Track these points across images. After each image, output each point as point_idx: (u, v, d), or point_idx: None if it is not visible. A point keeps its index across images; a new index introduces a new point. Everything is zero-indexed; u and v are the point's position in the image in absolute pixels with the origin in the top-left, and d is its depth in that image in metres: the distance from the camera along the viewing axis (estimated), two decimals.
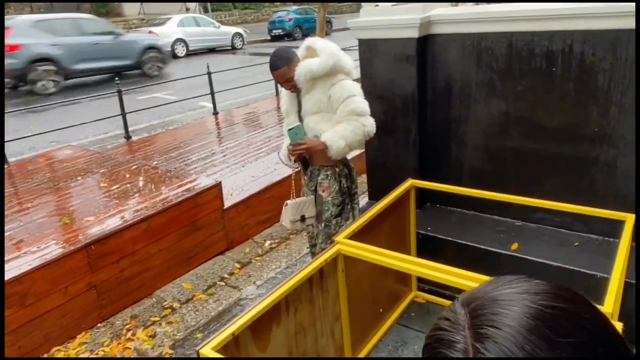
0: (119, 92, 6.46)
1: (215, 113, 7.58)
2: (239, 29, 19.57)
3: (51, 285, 3.02)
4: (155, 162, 5.13)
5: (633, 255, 2.41)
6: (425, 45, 3.01)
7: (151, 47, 12.67)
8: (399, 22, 2.93)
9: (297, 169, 2.80)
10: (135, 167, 4.67)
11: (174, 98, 8.66)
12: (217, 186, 3.93)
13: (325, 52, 2.51)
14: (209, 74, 7.61)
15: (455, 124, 3.09)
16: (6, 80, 10.10)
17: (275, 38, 20.81)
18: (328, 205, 2.72)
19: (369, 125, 2.60)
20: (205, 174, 4.70)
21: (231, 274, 3.76)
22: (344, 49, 2.68)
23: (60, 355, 3.02)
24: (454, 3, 3.24)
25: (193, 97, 8.08)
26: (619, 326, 1.51)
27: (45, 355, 3.02)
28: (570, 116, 2.65)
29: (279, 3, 30.92)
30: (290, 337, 1.99)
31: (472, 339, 0.45)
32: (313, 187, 2.77)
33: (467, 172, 3.15)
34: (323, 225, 2.75)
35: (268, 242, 4.20)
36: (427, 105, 3.15)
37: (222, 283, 3.65)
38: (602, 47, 2.45)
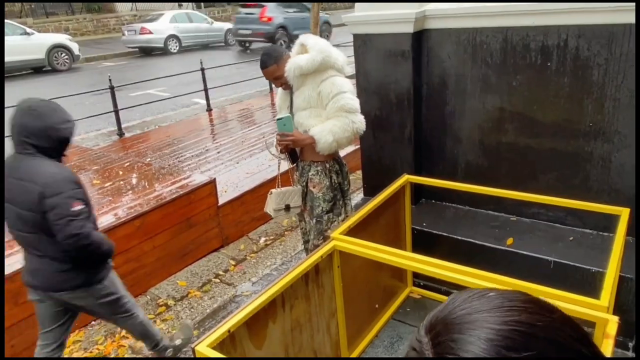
0: (112, 88, 6.41)
1: (209, 109, 7.54)
2: (233, 25, 19.44)
3: None
4: (149, 159, 5.10)
5: (628, 250, 2.42)
6: (421, 40, 2.99)
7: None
8: (394, 17, 2.91)
9: (282, 159, 2.80)
10: (128, 164, 4.64)
11: (167, 94, 8.61)
12: (212, 183, 3.91)
13: (315, 49, 2.51)
14: (202, 70, 7.56)
15: (450, 119, 3.08)
16: None
17: None
18: (319, 201, 2.72)
19: (359, 122, 2.59)
20: (199, 170, 4.67)
21: (226, 270, 3.74)
22: (337, 46, 2.67)
23: None
24: None
25: (186, 94, 8.03)
26: (614, 320, 1.51)
27: None
28: (565, 111, 2.65)
29: None
30: (286, 334, 1.98)
31: None
32: (304, 183, 2.77)
33: (462, 167, 3.15)
34: (315, 221, 2.75)
35: (263, 239, 4.18)
36: (422, 100, 3.14)
37: (217, 280, 3.63)
38: (597, 42, 2.45)
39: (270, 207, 2.79)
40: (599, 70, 2.48)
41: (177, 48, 16.77)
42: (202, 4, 24.91)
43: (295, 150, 2.73)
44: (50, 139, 2.11)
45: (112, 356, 2.99)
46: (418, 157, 3.24)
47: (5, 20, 12.96)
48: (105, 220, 3.38)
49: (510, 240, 2.77)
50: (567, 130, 2.67)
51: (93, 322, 3.25)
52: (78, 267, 2.22)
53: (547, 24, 2.55)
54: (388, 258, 2.11)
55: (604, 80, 2.48)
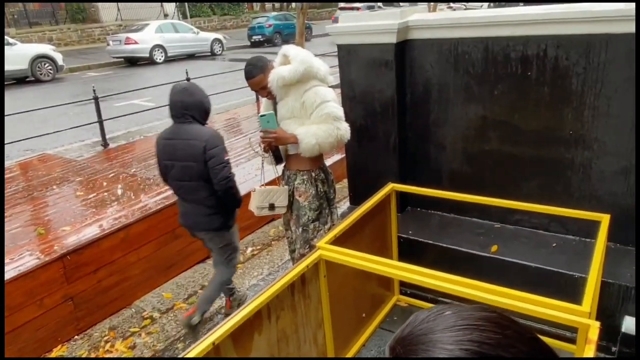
0: (96, 99, 6.35)
1: None
2: (219, 35, 19.47)
3: (26, 298, 2.94)
4: (134, 170, 5.05)
5: (610, 255, 2.46)
6: (404, 50, 3.03)
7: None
8: (377, 28, 2.94)
9: (266, 157, 2.80)
10: (112, 175, 4.59)
11: (152, 104, 8.54)
12: None
13: (296, 59, 2.53)
14: (188, 80, 7.54)
15: (434, 127, 3.12)
16: None
17: (255, 44, 20.78)
18: (305, 209, 2.72)
19: (343, 129, 2.61)
20: None
21: None
22: (323, 55, 2.69)
23: None
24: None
25: None
26: (596, 325, 1.53)
27: None
28: (546, 119, 2.69)
29: (258, 9, 30.95)
30: (272, 345, 1.97)
31: None
32: (290, 192, 2.77)
33: (446, 175, 3.18)
34: (301, 230, 2.75)
35: (250, 249, 4.16)
36: (406, 109, 3.17)
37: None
38: (576, 52, 2.51)
39: (253, 204, 2.80)
40: (578, 79, 2.53)
41: (163, 58, 16.73)
42: (188, 13, 24.90)
43: (279, 148, 2.73)
44: (200, 110, 2.81)
45: (112, 356, 2.94)
46: (403, 165, 3.27)
47: None
48: (89, 232, 3.34)
49: (494, 248, 2.80)
50: (548, 138, 2.72)
51: (76, 337, 3.19)
52: (219, 212, 2.89)
53: (527, 34, 2.60)
54: (374, 267, 2.11)
55: (582, 88, 2.54)
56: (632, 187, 2.55)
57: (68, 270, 3.12)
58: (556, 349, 2.61)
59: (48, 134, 6.28)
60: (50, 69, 13.57)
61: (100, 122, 6.39)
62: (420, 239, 3.02)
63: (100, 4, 23.15)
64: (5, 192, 4.37)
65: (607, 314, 2.45)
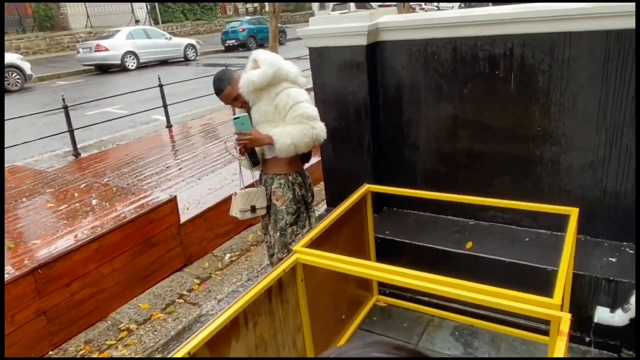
0: (65, 107, 6.21)
1: (169, 126, 7.42)
2: (192, 40, 19.30)
3: None
4: (107, 179, 4.95)
5: (581, 248, 2.52)
6: (375, 52, 3.05)
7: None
8: (347, 30, 2.96)
9: (242, 160, 2.79)
10: (84, 185, 4.49)
11: (125, 112, 8.42)
12: (172, 201, 3.83)
13: (265, 63, 2.53)
14: (161, 86, 7.45)
15: (407, 128, 3.14)
16: None
17: (229, 49, 20.66)
18: (282, 214, 2.71)
19: (319, 128, 2.61)
20: (159, 188, 4.58)
21: (190, 290, 3.66)
22: (298, 58, 2.70)
23: None
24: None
25: (145, 111, 7.88)
26: (567, 317, 1.56)
27: None
28: (515, 117, 2.75)
29: (231, 14, 30.78)
30: (250, 352, 1.95)
31: None
32: (267, 196, 2.76)
33: (421, 174, 3.21)
34: (279, 234, 2.74)
35: (228, 255, 4.12)
36: (379, 110, 3.19)
37: (181, 300, 3.55)
38: (540, 50, 2.57)
39: (235, 209, 2.77)
40: (544, 76, 2.59)
41: (135, 64, 16.50)
42: (159, 18, 24.60)
43: (255, 151, 2.72)
44: None
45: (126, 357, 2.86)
46: (378, 166, 3.29)
47: None
48: (60, 244, 3.25)
49: (469, 244, 2.84)
50: (517, 135, 2.77)
51: (50, 352, 3.11)
52: None
53: (493, 34, 2.65)
54: (351, 269, 2.11)
55: (548, 86, 2.60)
56: (598, 181, 2.62)
57: (40, 285, 3.03)
58: (532, 342, 2.66)
59: (17, 145, 6.12)
60: (18, 79, 13.23)
61: (71, 131, 6.25)
62: (397, 239, 3.04)
63: (69, 11, 22.69)
64: None
65: (579, 305, 2.50)
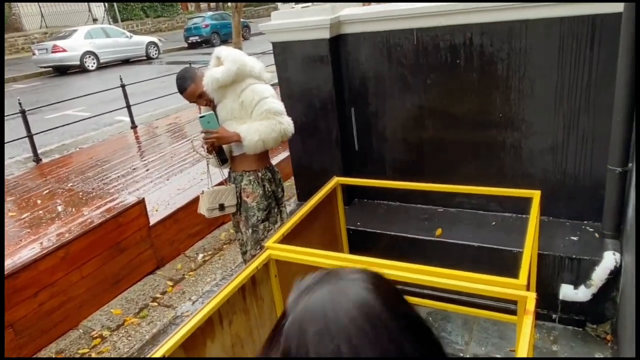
0: (23, 112, 5.99)
1: (134, 126, 7.25)
2: (153, 38, 18.84)
3: None
4: (71, 184, 4.81)
5: (545, 229, 2.61)
6: (338, 45, 3.06)
7: None
8: (309, 24, 2.96)
9: (210, 159, 2.77)
10: (47, 191, 4.35)
11: (87, 114, 8.16)
12: (141, 203, 3.76)
13: (228, 60, 2.51)
14: (123, 86, 7.27)
15: (374, 120, 3.17)
16: None
17: (192, 45, 20.27)
18: (253, 210, 2.70)
19: (286, 123, 2.61)
20: (126, 191, 4.48)
21: (164, 292, 3.61)
22: (263, 53, 2.68)
23: None
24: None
25: (108, 112, 7.66)
26: (532, 296, 1.62)
27: None
28: (477, 104, 2.81)
29: (193, 9, 30.21)
30: (227, 350, 1.94)
31: None
32: (237, 194, 2.75)
33: (389, 165, 3.25)
34: (251, 231, 2.73)
35: (201, 255, 4.08)
36: (345, 103, 3.21)
37: (155, 304, 3.49)
38: (498, 38, 2.63)
39: (203, 207, 2.75)
40: (503, 64, 2.66)
41: (95, 65, 16.01)
42: (118, 16, 23.91)
43: (223, 149, 2.70)
44: None
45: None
46: (347, 158, 3.31)
47: None
48: (24, 254, 3.15)
49: (439, 231, 2.90)
50: (480, 122, 2.84)
51: None
52: None
53: (453, 24, 2.70)
54: (324, 262, 2.12)
55: (507, 73, 2.67)
56: (558, 163, 2.72)
57: (5, 297, 2.93)
58: (503, 323, 2.73)
59: None
60: None
61: (30, 136, 6.03)
62: (368, 230, 3.08)
63: (22, 11, 21.78)
64: None
65: (545, 284, 2.60)
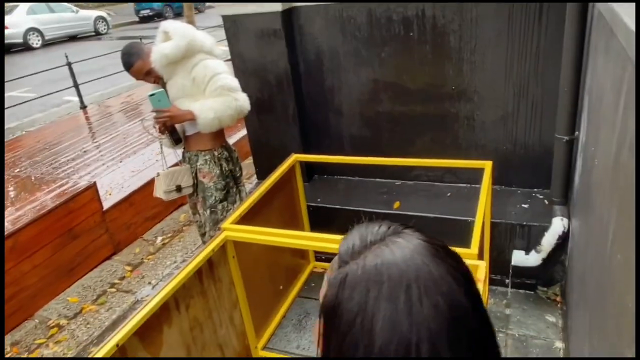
0: None
1: (84, 107, 6.95)
2: (102, 12, 17.95)
3: None
4: (17, 170, 4.58)
5: (497, 197, 2.68)
6: (291, 18, 2.98)
7: None
8: None
9: (163, 139, 2.68)
10: None
11: (32, 95, 7.74)
12: (92, 187, 3.62)
13: (177, 34, 2.40)
14: (69, 64, 6.91)
15: (330, 95, 3.14)
16: None
17: (144, 19, 19.43)
18: (211, 190, 2.65)
19: (242, 99, 2.54)
20: (77, 175, 4.30)
21: (122, 278, 3.53)
22: (219, 26, 2.56)
23: None
24: None
25: (55, 92, 7.29)
26: (483, 265, 1.66)
27: None
28: (431, 77, 2.82)
29: None
30: (185, 335, 1.92)
31: None
32: (193, 174, 2.68)
33: (347, 140, 3.24)
34: (209, 212, 2.68)
35: (160, 238, 4.00)
36: (301, 78, 3.15)
37: (113, 289, 3.41)
38: (450, 10, 2.62)
39: (160, 190, 2.67)
40: (454, 36, 2.66)
41: (40, 42, 15.15)
42: None
43: (176, 128, 2.61)
44: None
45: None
46: (305, 134, 3.27)
47: None
48: None
49: (397, 204, 2.94)
50: (434, 95, 2.86)
51: None
52: None
53: None
54: (283, 241, 2.12)
55: (459, 45, 2.68)
56: (509, 133, 2.78)
57: None
58: None
59: None
60: None
61: None
62: (328, 205, 3.08)
63: None
64: None
65: (499, 251, 2.69)
